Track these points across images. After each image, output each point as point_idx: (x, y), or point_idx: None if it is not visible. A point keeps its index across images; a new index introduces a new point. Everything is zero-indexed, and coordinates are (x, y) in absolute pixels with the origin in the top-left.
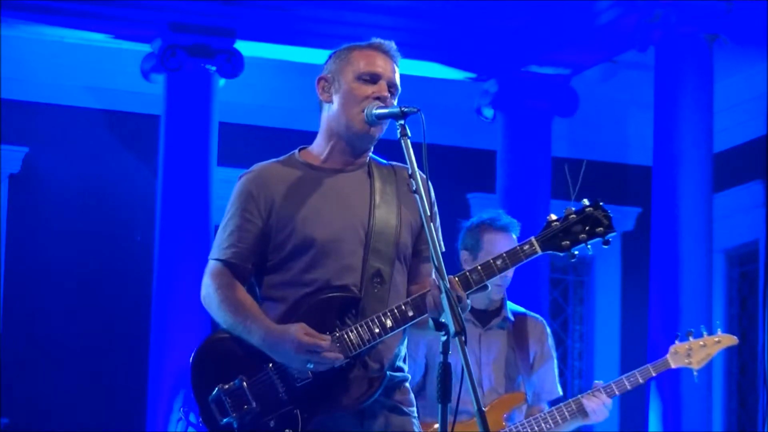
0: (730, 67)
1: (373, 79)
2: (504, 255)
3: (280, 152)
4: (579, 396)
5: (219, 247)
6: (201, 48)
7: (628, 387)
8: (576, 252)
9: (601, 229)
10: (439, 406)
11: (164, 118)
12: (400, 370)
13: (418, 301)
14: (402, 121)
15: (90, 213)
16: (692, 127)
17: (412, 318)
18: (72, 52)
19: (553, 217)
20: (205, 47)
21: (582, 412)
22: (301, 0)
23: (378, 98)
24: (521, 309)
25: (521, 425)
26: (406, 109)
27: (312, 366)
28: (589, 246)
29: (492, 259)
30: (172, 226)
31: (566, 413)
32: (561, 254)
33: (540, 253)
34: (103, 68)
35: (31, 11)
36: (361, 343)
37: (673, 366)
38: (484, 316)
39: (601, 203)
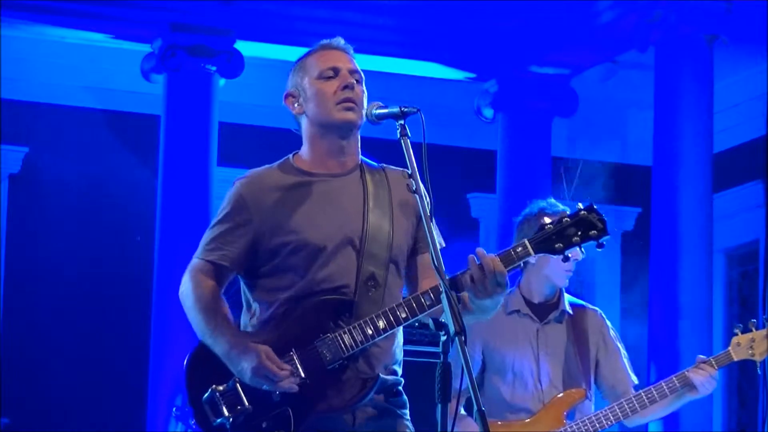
0: (730, 67)
1: (335, 72)
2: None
3: (280, 152)
4: (683, 371)
5: (204, 248)
6: (201, 48)
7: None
8: (569, 254)
9: (595, 232)
10: (439, 406)
11: (164, 118)
12: (394, 373)
13: (411, 302)
14: (402, 121)
15: (90, 213)
16: (692, 127)
17: (405, 319)
18: (72, 52)
19: (547, 219)
20: (205, 47)
21: (688, 386)
22: (301, 0)
23: (346, 86)
24: (579, 301)
25: (618, 405)
26: (405, 109)
27: (266, 387)
28: (582, 249)
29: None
30: (172, 227)
31: (666, 389)
32: (554, 256)
33: (533, 255)
34: (103, 68)
35: (31, 11)
36: (354, 344)
37: (735, 359)
38: (542, 310)
39: (595, 206)
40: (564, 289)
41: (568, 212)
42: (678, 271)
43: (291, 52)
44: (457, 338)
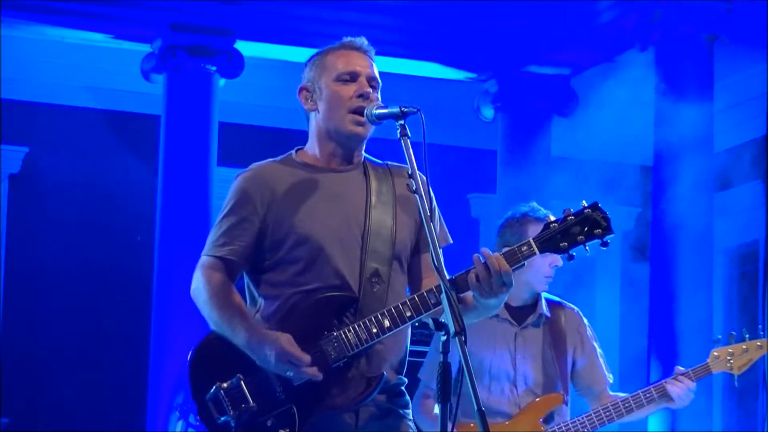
0: (730, 67)
1: (353, 77)
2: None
3: (280, 152)
4: (661, 381)
5: (212, 244)
6: (201, 48)
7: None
8: (574, 253)
9: (599, 230)
10: (439, 405)
11: (164, 118)
12: (399, 372)
13: (416, 301)
14: (402, 121)
15: (90, 213)
16: (692, 127)
17: (410, 318)
18: (72, 52)
19: (552, 218)
20: (205, 47)
21: (665, 397)
22: (301, 0)
23: (361, 95)
24: (556, 299)
25: (595, 413)
26: (405, 109)
27: (290, 374)
28: (587, 247)
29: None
30: (172, 226)
31: (644, 400)
32: (559, 255)
33: (538, 254)
34: (103, 68)
35: (31, 11)
36: (358, 342)
37: (713, 371)
38: (520, 314)
39: (599, 205)
40: (541, 291)
41: (572, 211)
42: (678, 271)
43: (291, 52)
44: (456, 338)
